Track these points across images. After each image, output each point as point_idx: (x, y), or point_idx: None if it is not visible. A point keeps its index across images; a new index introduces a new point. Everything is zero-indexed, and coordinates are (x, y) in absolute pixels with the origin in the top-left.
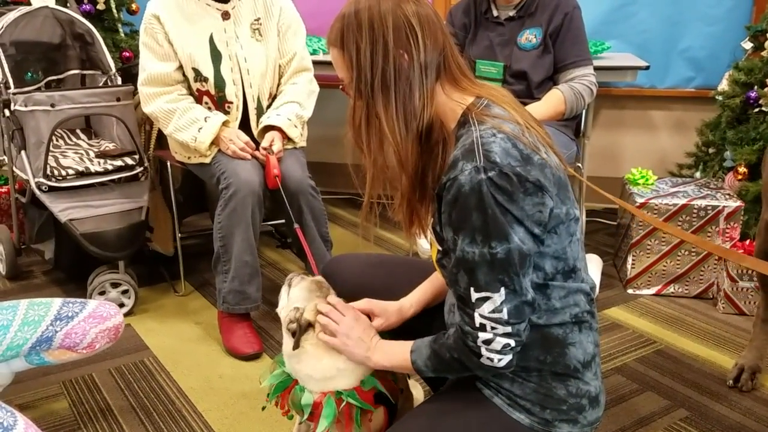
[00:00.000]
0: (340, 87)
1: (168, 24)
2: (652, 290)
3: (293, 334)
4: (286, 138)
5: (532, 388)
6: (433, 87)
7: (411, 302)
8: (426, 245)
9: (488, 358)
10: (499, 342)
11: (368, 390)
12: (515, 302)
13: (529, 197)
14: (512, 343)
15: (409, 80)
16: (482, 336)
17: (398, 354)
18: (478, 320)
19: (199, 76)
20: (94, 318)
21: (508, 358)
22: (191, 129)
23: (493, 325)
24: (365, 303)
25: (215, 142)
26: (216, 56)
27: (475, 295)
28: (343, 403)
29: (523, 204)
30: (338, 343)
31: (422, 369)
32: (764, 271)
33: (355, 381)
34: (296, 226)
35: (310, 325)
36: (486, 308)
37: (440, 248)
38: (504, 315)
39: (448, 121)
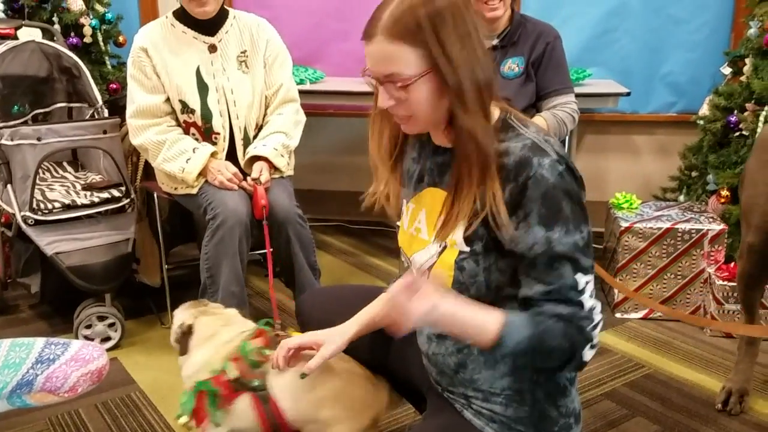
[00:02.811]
0: (399, 85)
1: (155, 57)
2: (640, 314)
3: (179, 342)
4: (273, 168)
5: (527, 411)
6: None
7: (353, 323)
8: (425, 257)
9: (592, 345)
10: (599, 327)
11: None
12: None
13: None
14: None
15: (481, 77)
16: (595, 319)
17: (477, 326)
18: (588, 304)
19: (185, 108)
20: (76, 361)
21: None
22: (179, 160)
23: (597, 307)
24: (308, 336)
25: (203, 173)
26: (203, 88)
27: (583, 280)
28: (197, 391)
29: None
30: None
31: (508, 348)
32: (756, 334)
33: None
34: (270, 250)
35: (190, 330)
36: (588, 290)
37: (466, 250)
38: (595, 299)
39: None
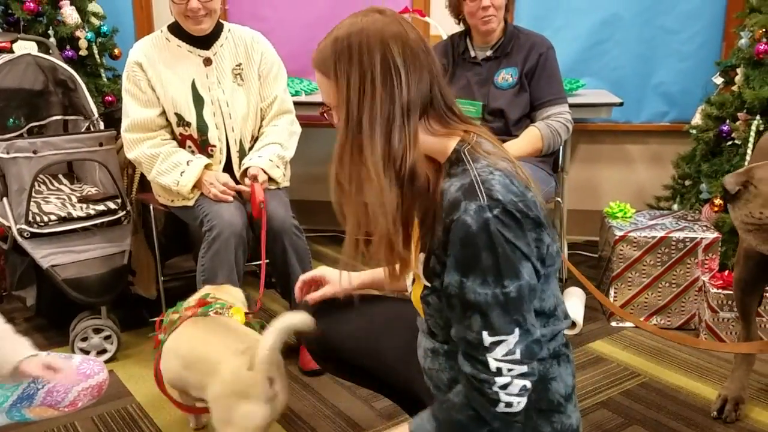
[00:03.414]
0: (321, 111)
1: (150, 71)
2: None
3: None
4: (269, 178)
5: (519, 429)
6: (416, 128)
7: (357, 277)
8: (408, 281)
9: (507, 403)
10: (517, 384)
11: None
12: (527, 341)
13: (530, 233)
14: (528, 384)
15: (390, 122)
16: (500, 381)
17: None
18: (493, 365)
19: (181, 121)
20: (77, 375)
21: (524, 401)
22: (174, 173)
23: (510, 366)
24: (319, 271)
25: (197, 185)
26: (198, 101)
27: (489, 339)
28: None
29: (528, 239)
30: None
31: None
32: (743, 351)
33: None
34: (265, 261)
35: None
36: (499, 351)
37: (428, 285)
38: (517, 356)
39: (437, 158)
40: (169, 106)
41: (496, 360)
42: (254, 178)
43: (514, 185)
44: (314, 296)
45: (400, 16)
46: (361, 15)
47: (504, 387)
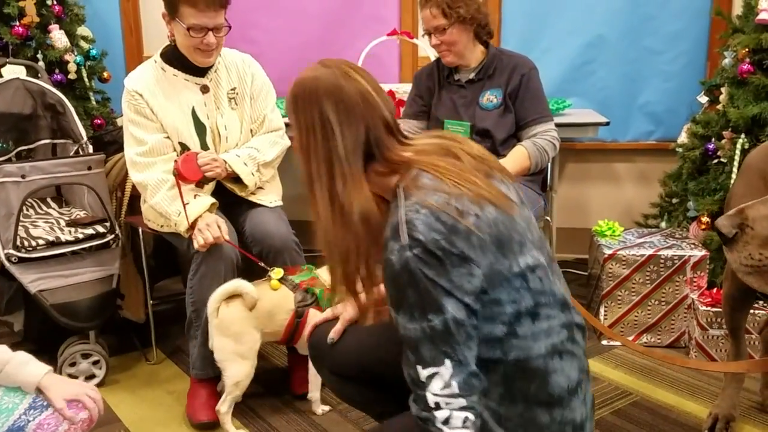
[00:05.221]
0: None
1: (151, 100)
2: None
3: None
4: (237, 178)
5: (518, 412)
6: (359, 172)
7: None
8: None
9: (448, 428)
10: (458, 417)
11: None
12: (463, 374)
13: (455, 269)
14: (471, 416)
15: (331, 167)
16: (439, 415)
17: None
18: (432, 400)
19: (186, 150)
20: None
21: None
22: (177, 202)
23: (447, 400)
24: (329, 312)
25: (193, 224)
26: (200, 129)
27: (423, 373)
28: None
29: (451, 276)
30: None
31: None
32: (732, 370)
33: None
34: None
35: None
36: (436, 385)
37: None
38: (455, 389)
39: (388, 197)
40: (174, 135)
41: (434, 395)
42: (192, 154)
43: (439, 222)
44: (338, 329)
45: (343, 68)
46: (308, 69)
47: (446, 422)
